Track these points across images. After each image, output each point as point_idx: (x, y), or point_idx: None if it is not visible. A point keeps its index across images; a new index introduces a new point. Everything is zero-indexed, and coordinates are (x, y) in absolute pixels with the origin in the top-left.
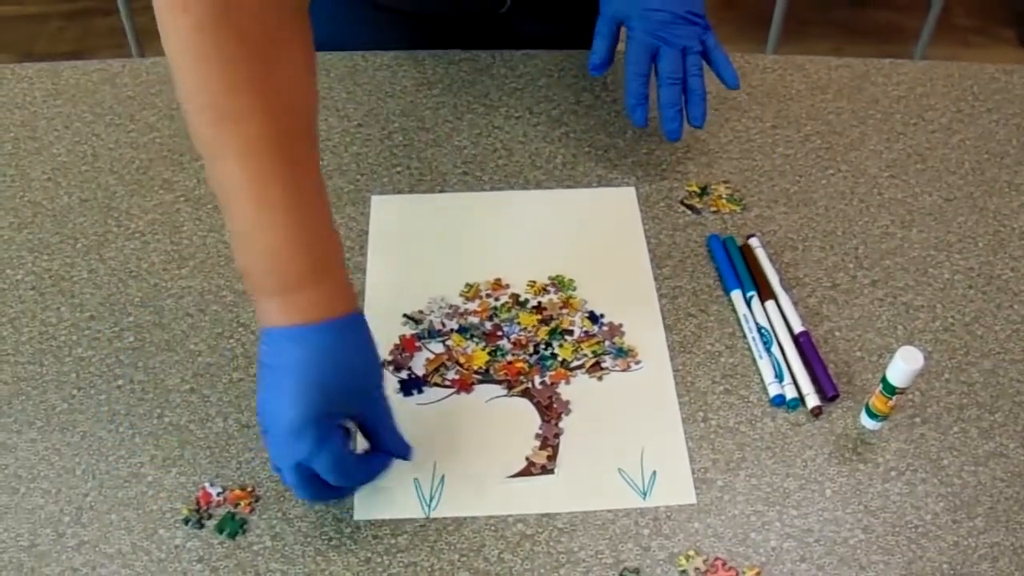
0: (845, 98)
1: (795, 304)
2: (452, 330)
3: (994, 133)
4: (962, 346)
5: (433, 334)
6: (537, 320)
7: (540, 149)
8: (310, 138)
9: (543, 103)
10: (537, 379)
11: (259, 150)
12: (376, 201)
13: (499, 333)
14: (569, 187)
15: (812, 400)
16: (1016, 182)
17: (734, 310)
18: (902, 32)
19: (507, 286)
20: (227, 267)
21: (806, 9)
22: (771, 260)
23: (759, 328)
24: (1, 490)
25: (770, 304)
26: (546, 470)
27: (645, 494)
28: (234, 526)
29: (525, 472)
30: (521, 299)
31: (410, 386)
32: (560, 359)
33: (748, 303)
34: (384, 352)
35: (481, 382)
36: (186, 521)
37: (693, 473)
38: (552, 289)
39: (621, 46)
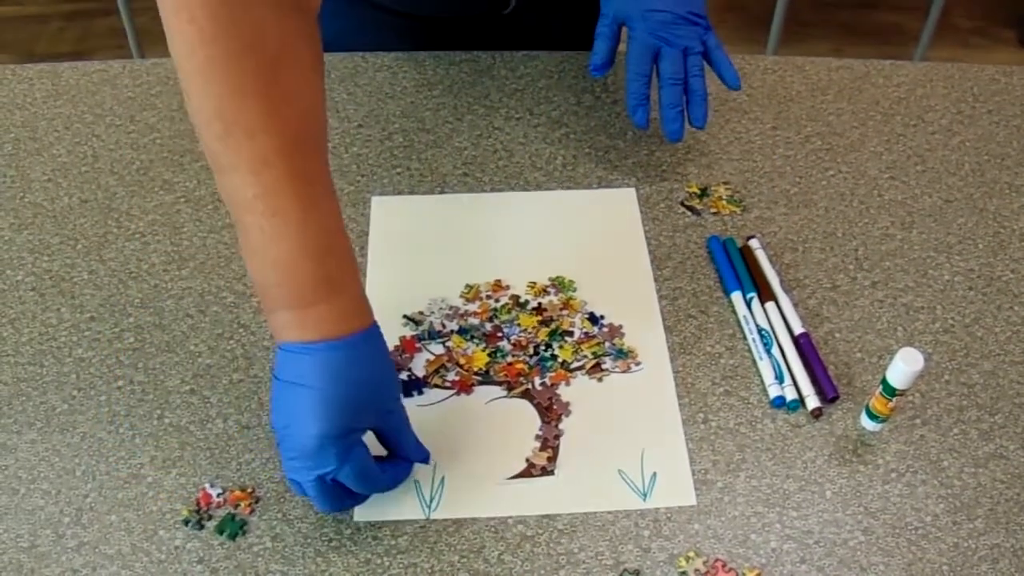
0: (845, 99)
1: (795, 305)
2: (452, 331)
3: (994, 134)
4: (962, 348)
5: (433, 335)
6: (537, 321)
7: (540, 150)
8: (319, 142)
9: (543, 104)
10: (537, 380)
11: (269, 163)
12: (376, 202)
13: (499, 334)
14: (569, 188)
15: (812, 401)
16: (1016, 184)
17: (734, 311)
18: (902, 33)
19: (507, 287)
20: (227, 268)
21: (806, 10)
22: (771, 261)
23: (759, 329)
24: (1, 491)
25: (770, 305)
26: (546, 471)
27: (645, 495)
28: (234, 527)
29: (525, 473)
30: (521, 300)
31: (410, 387)
32: (560, 360)
33: (748, 304)
34: None
35: (481, 383)
36: (186, 522)
37: (693, 474)
38: (552, 290)
39: (622, 47)
